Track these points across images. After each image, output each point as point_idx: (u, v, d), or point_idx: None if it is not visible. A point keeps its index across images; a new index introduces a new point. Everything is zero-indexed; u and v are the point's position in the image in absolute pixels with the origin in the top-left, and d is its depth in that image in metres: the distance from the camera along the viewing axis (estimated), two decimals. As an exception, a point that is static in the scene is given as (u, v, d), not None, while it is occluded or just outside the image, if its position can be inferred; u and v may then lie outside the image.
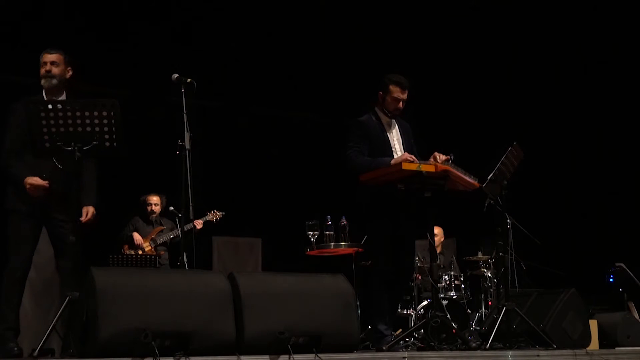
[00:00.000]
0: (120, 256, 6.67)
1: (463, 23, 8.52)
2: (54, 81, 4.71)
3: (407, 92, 5.11)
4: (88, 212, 4.71)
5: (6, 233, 4.66)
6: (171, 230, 7.37)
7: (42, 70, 4.73)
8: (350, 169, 4.98)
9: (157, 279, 3.79)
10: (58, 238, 4.65)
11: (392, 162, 4.87)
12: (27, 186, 4.54)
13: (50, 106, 4.10)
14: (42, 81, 4.71)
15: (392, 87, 5.08)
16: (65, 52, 4.82)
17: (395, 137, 5.15)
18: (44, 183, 4.55)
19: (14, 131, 4.63)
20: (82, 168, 4.33)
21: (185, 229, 7.21)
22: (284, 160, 9.10)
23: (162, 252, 7.31)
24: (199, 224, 7.16)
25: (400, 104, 5.10)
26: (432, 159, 4.86)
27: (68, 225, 4.43)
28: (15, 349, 4.42)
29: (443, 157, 4.86)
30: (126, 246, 7.24)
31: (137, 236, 7.28)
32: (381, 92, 5.12)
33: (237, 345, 3.73)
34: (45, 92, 4.75)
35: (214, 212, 7.45)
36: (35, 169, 4.56)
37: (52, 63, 4.73)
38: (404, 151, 5.04)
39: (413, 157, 4.83)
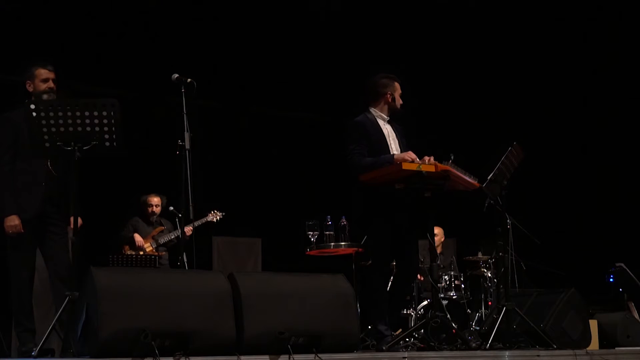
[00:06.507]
0: (120, 256, 6.64)
1: (463, 23, 8.52)
2: (53, 97, 4.75)
3: None
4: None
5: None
6: (170, 231, 7.34)
7: (45, 86, 4.76)
8: (354, 171, 4.95)
9: (157, 279, 3.78)
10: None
11: (396, 157, 4.86)
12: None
13: (50, 106, 4.11)
14: (46, 96, 4.71)
15: (397, 84, 5.19)
16: None
17: (390, 136, 5.15)
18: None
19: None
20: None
21: (175, 236, 7.22)
22: (284, 160, 9.10)
23: (163, 253, 7.27)
24: (188, 230, 6.88)
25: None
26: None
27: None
28: (34, 349, 4.47)
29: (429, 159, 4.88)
30: (127, 247, 7.21)
31: (138, 237, 7.24)
32: (389, 93, 5.15)
33: (237, 345, 3.73)
34: None
35: (214, 212, 7.40)
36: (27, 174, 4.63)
37: (54, 80, 4.78)
38: (400, 151, 5.04)
39: (415, 156, 4.83)
